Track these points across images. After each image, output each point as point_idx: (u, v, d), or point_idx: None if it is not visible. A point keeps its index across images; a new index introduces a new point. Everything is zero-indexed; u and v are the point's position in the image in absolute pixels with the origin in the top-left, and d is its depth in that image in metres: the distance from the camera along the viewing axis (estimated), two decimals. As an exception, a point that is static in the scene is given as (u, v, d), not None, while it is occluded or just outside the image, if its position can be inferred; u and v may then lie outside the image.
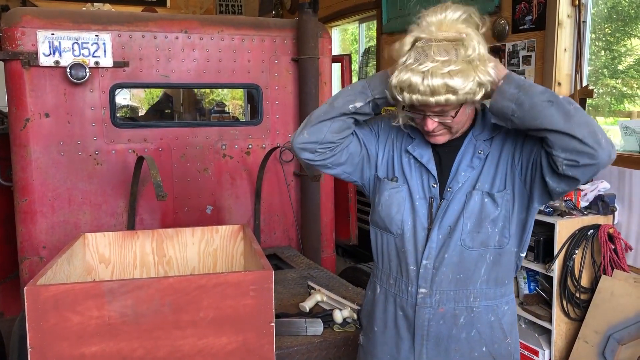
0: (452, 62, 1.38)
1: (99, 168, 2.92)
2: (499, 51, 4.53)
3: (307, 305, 2.23)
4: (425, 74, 1.39)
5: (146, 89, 10.27)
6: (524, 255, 1.65)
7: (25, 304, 1.49)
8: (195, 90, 7.83)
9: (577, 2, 3.99)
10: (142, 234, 2.26)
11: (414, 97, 1.42)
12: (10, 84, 2.80)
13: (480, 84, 1.41)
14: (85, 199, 2.91)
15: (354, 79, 7.10)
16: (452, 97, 1.40)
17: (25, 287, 1.50)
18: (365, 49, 6.99)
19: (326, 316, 2.11)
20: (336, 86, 5.46)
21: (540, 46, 4.18)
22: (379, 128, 1.70)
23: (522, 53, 4.34)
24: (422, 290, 1.59)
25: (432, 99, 1.40)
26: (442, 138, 1.56)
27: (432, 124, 1.50)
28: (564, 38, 4.07)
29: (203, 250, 2.30)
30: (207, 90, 10.55)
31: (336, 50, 7.90)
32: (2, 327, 2.85)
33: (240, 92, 9.51)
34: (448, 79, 1.37)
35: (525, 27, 4.30)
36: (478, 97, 1.43)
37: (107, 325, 1.53)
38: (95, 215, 2.93)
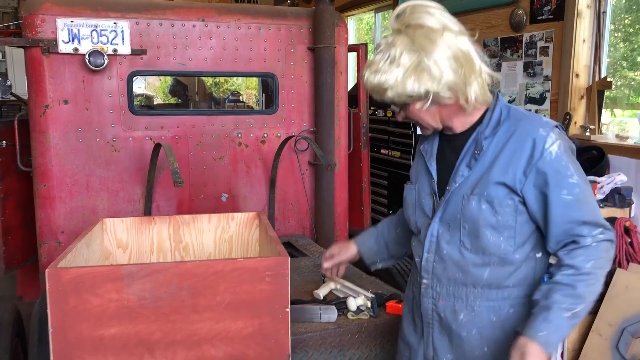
0: (385, 63, 1.46)
1: (117, 155, 2.95)
2: (516, 42, 4.50)
3: (321, 292, 2.25)
4: (368, 70, 1.49)
5: (161, 78, 10.33)
6: (550, 254, 1.60)
7: (47, 286, 1.53)
8: (210, 79, 7.87)
9: (596, -8, 3.95)
10: (160, 219, 2.29)
11: (365, 86, 1.53)
12: (30, 70, 2.83)
13: (409, 94, 1.47)
14: (103, 185, 2.95)
15: (369, 69, 7.07)
16: (383, 96, 1.49)
17: (46, 270, 1.53)
18: (381, 38, 6.97)
19: (340, 304, 2.13)
20: (352, 76, 5.45)
21: (558, 37, 4.13)
22: (416, 157, 1.81)
23: (540, 44, 4.30)
24: (424, 280, 1.66)
25: (372, 94, 1.52)
26: (424, 131, 1.63)
27: (399, 116, 1.59)
28: (583, 29, 4.02)
29: (219, 236, 2.33)
30: (222, 80, 10.58)
31: (351, 40, 7.88)
32: (21, 309, 2.89)
33: (254, 82, 9.54)
34: (373, 79, 1.48)
35: (544, 17, 4.26)
36: (411, 101, 1.49)
37: (126, 308, 1.56)
38: (113, 202, 2.97)
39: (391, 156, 5.14)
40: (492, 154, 1.54)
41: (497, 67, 4.70)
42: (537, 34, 4.31)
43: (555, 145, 1.48)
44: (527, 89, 4.45)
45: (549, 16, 4.20)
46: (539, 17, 4.29)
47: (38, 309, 2.22)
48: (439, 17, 1.48)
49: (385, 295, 2.23)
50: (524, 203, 1.52)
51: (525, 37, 4.41)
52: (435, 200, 1.63)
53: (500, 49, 4.66)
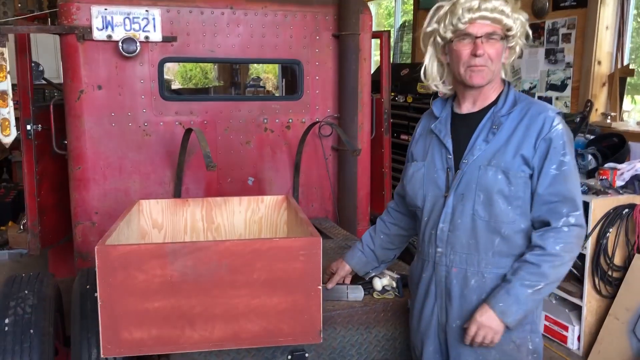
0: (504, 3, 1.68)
1: (148, 139, 3.05)
2: (538, 28, 4.51)
3: (329, 285, 2.33)
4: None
5: (181, 63, 10.40)
6: None
7: (97, 262, 1.63)
8: (234, 65, 7.94)
9: (621, -21, 3.95)
10: (193, 202, 2.39)
11: (471, 15, 1.64)
12: (66, 57, 2.93)
13: (515, 31, 1.69)
14: (135, 168, 3.06)
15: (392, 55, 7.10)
16: (504, 17, 1.65)
17: (95, 247, 1.64)
18: (401, 23, 6.98)
19: (366, 283, 2.22)
20: (374, 62, 5.50)
21: (581, 24, 4.15)
22: (415, 139, 1.96)
23: (562, 31, 4.32)
24: (439, 249, 1.78)
25: (490, 14, 1.64)
26: (481, 76, 1.70)
27: (480, 47, 1.66)
28: (607, 16, 4.03)
29: (249, 218, 2.43)
30: (242, 65, 10.62)
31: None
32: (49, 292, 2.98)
33: (272, 67, 9.58)
34: (503, 0, 1.66)
35: (567, 4, 4.27)
36: (512, 41, 1.71)
37: (169, 284, 1.66)
38: (144, 184, 3.08)
39: (411, 142, 5.20)
40: (508, 130, 1.70)
41: (519, 54, 4.71)
42: (560, 20, 4.32)
43: (560, 125, 1.67)
44: (548, 76, 4.47)
45: (572, 3, 4.21)
46: (562, 4, 4.30)
47: (78, 285, 2.33)
48: None
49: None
50: (531, 177, 1.68)
51: (548, 23, 4.43)
52: (450, 174, 1.76)
53: (522, 35, 4.67)
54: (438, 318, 1.82)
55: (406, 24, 6.81)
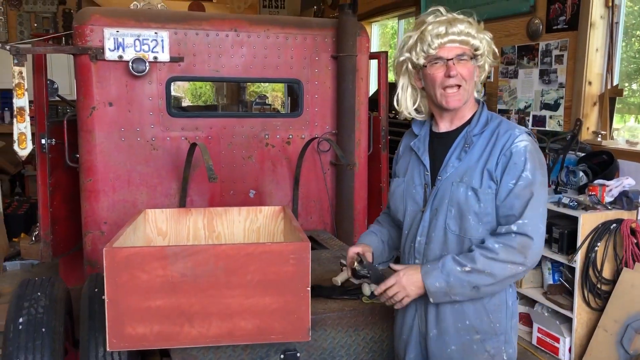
0: (470, 24, 1.79)
1: (155, 153, 3.23)
2: (532, 50, 4.68)
3: (339, 279, 2.48)
4: (449, 20, 1.76)
5: (190, 82, 10.66)
6: None
7: (104, 262, 1.79)
8: (240, 84, 8.19)
9: (610, 3, 4.11)
10: (195, 211, 2.55)
11: (440, 41, 1.75)
12: (80, 75, 3.12)
13: (482, 51, 1.80)
14: (143, 181, 3.23)
15: (390, 75, 7.28)
16: (470, 39, 1.76)
17: (104, 249, 1.80)
18: (404, 44, 7.17)
19: (355, 289, 2.36)
20: (373, 82, 5.68)
21: (572, 46, 4.31)
22: (397, 157, 2.05)
23: (555, 52, 4.47)
24: (417, 261, 1.87)
25: (457, 37, 1.75)
26: (457, 99, 1.79)
27: (453, 68, 1.75)
28: (597, 38, 4.19)
29: (248, 227, 2.58)
30: (249, 84, 10.87)
31: (376, 44, 8.09)
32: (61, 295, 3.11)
33: (280, 86, 9.82)
34: (467, 24, 1.77)
35: (559, 27, 4.43)
36: (480, 60, 1.81)
37: (170, 284, 1.82)
38: (151, 195, 3.25)
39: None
40: (480, 148, 1.79)
41: (514, 74, 4.88)
42: (553, 42, 4.48)
43: (522, 142, 1.74)
44: (542, 96, 4.63)
45: (564, 26, 4.38)
46: (555, 27, 4.47)
47: (87, 288, 2.49)
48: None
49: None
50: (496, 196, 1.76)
51: (541, 45, 4.59)
52: (427, 190, 1.85)
53: (517, 56, 4.84)
54: (419, 327, 1.90)
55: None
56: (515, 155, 1.72)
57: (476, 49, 1.80)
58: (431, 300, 1.77)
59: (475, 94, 1.89)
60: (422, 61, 1.80)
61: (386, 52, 4.10)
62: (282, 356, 2.13)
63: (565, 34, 4.37)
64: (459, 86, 1.78)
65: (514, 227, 1.69)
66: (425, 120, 1.95)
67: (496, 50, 1.87)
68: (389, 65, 4.32)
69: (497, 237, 1.72)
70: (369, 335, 2.27)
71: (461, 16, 1.79)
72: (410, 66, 1.84)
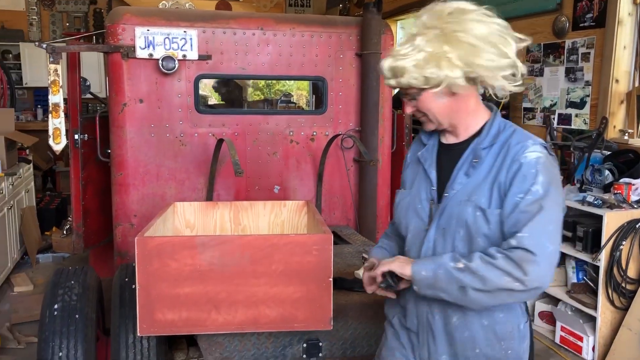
0: (407, 50, 1.54)
1: (183, 149, 3.32)
2: (558, 48, 4.65)
3: (361, 272, 2.53)
4: (390, 56, 1.58)
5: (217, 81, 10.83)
6: None
7: (136, 251, 1.87)
8: (264, 81, 8.28)
9: (638, 1, 4.07)
10: (222, 205, 2.63)
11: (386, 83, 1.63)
12: (112, 73, 3.23)
13: (427, 77, 1.53)
14: (171, 175, 3.32)
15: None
16: (400, 79, 1.56)
17: (136, 238, 1.88)
18: (429, 43, 7.17)
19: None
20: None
21: (599, 43, 4.28)
22: (405, 164, 1.87)
23: (582, 50, 4.45)
24: None
25: (387, 81, 1.60)
26: (428, 125, 1.67)
27: (408, 108, 1.64)
28: (624, 36, 4.16)
29: (272, 221, 2.65)
30: (274, 82, 10.98)
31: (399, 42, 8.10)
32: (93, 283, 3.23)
33: (305, 85, 9.89)
34: (393, 62, 1.56)
35: (586, 24, 4.41)
36: (428, 86, 1.55)
37: (198, 272, 1.89)
38: (179, 190, 3.34)
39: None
40: (489, 163, 1.60)
41: (540, 72, 4.86)
42: (579, 40, 4.46)
43: (534, 154, 1.54)
44: (568, 94, 4.60)
45: (591, 23, 4.35)
46: (581, 24, 4.44)
47: (118, 278, 2.58)
48: (486, 22, 1.55)
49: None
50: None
51: (568, 43, 4.57)
52: (433, 207, 1.67)
53: (543, 54, 4.82)
54: (419, 353, 1.73)
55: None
56: (525, 166, 1.53)
57: (412, 87, 1.57)
58: (415, 288, 1.60)
59: (479, 102, 1.66)
60: None
61: (410, 50, 4.12)
62: (304, 345, 2.19)
63: (592, 32, 4.34)
64: (423, 116, 1.65)
65: (512, 241, 1.50)
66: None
67: (479, 45, 1.52)
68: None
69: (498, 248, 1.55)
70: (380, 330, 2.31)
71: (414, 31, 1.57)
72: None
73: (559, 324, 3.99)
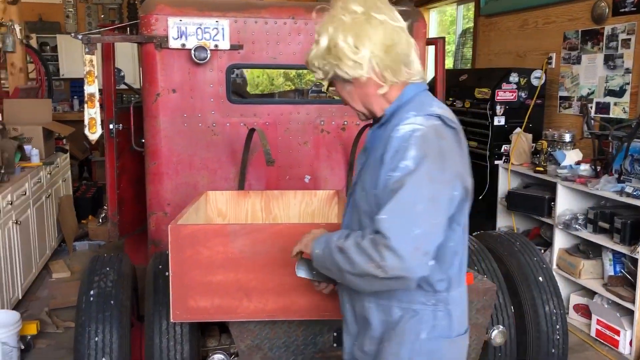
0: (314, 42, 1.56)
1: (216, 138, 3.34)
2: (597, 34, 4.52)
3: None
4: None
5: (249, 70, 10.89)
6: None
7: (169, 238, 1.90)
8: (295, 71, 8.26)
9: (682, -15, 3.92)
10: (253, 194, 2.65)
11: None
12: (145, 63, 3.26)
13: (319, 67, 1.54)
14: (203, 165, 3.35)
15: (449, 61, 7.18)
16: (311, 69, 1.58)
17: (169, 225, 1.91)
18: (463, 30, 7.06)
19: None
20: (430, 68, 5.63)
21: (640, 29, 4.14)
22: None
23: (622, 36, 4.31)
24: None
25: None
26: (357, 114, 1.65)
27: (334, 94, 1.63)
28: (667, 21, 4.01)
29: (303, 210, 2.66)
30: (305, 71, 10.98)
31: (434, 32, 8.00)
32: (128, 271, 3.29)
33: (337, 73, 9.85)
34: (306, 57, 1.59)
35: (627, 10, 4.27)
36: (321, 77, 1.56)
37: (230, 260, 1.91)
38: (211, 179, 3.37)
39: (468, 146, 5.28)
40: (378, 142, 1.54)
41: (577, 60, 4.74)
42: (619, 26, 4.32)
43: (408, 126, 1.42)
44: (606, 82, 4.47)
45: (632, 8, 4.21)
46: (622, 10, 4.30)
47: (152, 265, 2.63)
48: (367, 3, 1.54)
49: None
50: None
51: (607, 29, 4.43)
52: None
53: (580, 41, 4.69)
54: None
55: (469, 31, 6.89)
56: (396, 140, 1.42)
57: (320, 78, 1.58)
58: (314, 264, 1.58)
59: (394, 85, 1.55)
60: None
61: (443, 38, 4.07)
62: (335, 334, 2.19)
63: (633, 17, 4.20)
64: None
65: (369, 221, 1.45)
66: None
67: (341, 44, 1.49)
68: (448, 51, 4.29)
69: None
70: (421, 318, 2.30)
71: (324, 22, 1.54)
72: None
73: (594, 318, 3.91)
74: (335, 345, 2.21)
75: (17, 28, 6.02)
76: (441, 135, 1.43)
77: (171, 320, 1.94)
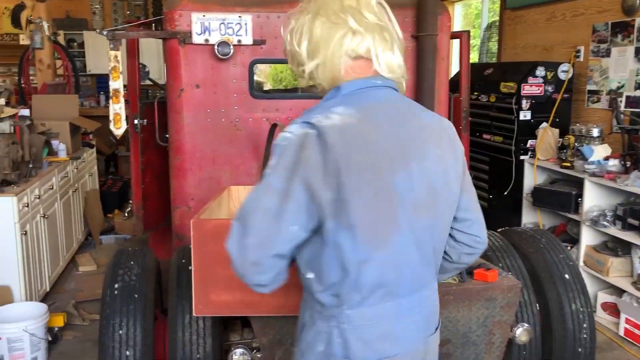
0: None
1: (239, 133, 3.35)
2: (627, 27, 4.41)
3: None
4: None
5: (271, 66, 10.89)
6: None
7: (192, 233, 1.91)
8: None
9: None
10: (276, 188, 2.64)
11: None
12: (169, 59, 3.28)
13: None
14: (226, 160, 3.36)
15: (474, 55, 7.09)
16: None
17: (191, 220, 1.91)
18: (488, 24, 6.96)
19: (432, 269, 2.37)
20: (455, 62, 5.58)
21: (673, 21, 4.03)
22: None
23: (653, 28, 4.20)
24: None
25: None
26: None
27: None
28: (701, 12, 3.90)
29: (326, 205, 2.64)
30: (329, 66, 10.93)
31: (458, 25, 7.90)
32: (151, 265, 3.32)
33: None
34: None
35: (658, 1, 4.15)
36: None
37: (252, 255, 1.90)
38: (234, 174, 3.38)
39: (493, 141, 5.22)
40: None
41: (607, 53, 4.63)
42: (651, 18, 4.21)
43: (283, 134, 1.39)
44: (637, 75, 4.37)
45: (664, 0, 4.10)
46: (653, 1, 4.19)
47: (176, 259, 2.65)
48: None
49: (474, 265, 2.42)
50: None
51: (638, 21, 4.32)
52: None
53: (610, 34, 4.58)
54: None
55: (494, 24, 6.79)
56: (274, 148, 1.41)
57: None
58: None
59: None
60: None
61: (468, 32, 4.01)
62: (357, 330, 2.17)
63: (665, 9, 4.09)
64: None
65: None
66: None
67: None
68: (473, 45, 4.22)
69: None
70: (443, 315, 2.26)
71: None
72: None
73: (623, 316, 3.83)
74: (357, 341, 2.20)
75: (45, 25, 6.11)
76: (305, 145, 1.34)
77: (193, 315, 1.95)
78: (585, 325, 2.73)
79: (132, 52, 3.46)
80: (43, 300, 4.17)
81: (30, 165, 4.15)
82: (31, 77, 7.31)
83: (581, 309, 2.75)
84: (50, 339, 3.62)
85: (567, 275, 2.81)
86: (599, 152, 4.29)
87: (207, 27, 3.20)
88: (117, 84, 3.13)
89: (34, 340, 3.37)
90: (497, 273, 2.35)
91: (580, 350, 2.73)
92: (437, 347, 1.60)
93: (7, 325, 3.34)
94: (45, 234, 4.31)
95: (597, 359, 2.98)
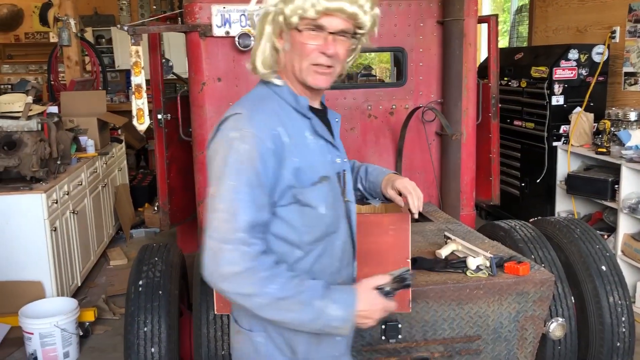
0: None
1: (261, 126, 3.31)
2: (666, 4, 4.20)
3: (443, 252, 2.43)
4: None
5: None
6: None
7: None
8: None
9: None
10: (298, 182, 2.59)
11: (328, 5, 1.39)
12: (190, 52, 3.25)
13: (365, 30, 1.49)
14: (250, 153, 3.32)
15: (503, 40, 6.90)
16: (361, 13, 1.43)
17: (210, 217, 1.87)
18: (518, 7, 6.75)
19: (460, 263, 2.29)
20: (483, 47, 5.43)
21: None
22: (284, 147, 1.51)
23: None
24: (355, 263, 1.73)
25: (349, 8, 1.41)
26: (326, 79, 1.49)
27: (332, 46, 1.43)
28: None
29: (350, 198, 2.58)
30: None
31: (487, 9, 7.70)
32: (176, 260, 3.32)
33: (387, 57, 9.67)
34: None
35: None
36: (358, 40, 1.52)
37: (272, 252, 1.86)
38: (257, 167, 3.34)
39: (525, 127, 5.07)
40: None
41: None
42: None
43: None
44: (677, 55, 4.16)
45: None
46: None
47: (200, 254, 2.63)
48: None
49: (505, 257, 2.35)
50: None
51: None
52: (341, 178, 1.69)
53: (647, 12, 4.38)
54: None
55: (524, 8, 6.58)
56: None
57: (360, 27, 1.46)
58: None
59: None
60: (295, 20, 1.41)
61: (496, 16, 3.88)
62: (383, 326, 2.12)
63: None
64: (330, 66, 1.46)
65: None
66: (289, 88, 1.54)
67: (377, 30, 1.53)
68: (502, 29, 4.09)
69: None
70: (473, 310, 2.20)
71: None
72: (280, 18, 1.44)
73: (663, 307, 3.68)
74: (383, 338, 2.15)
75: (72, 22, 6.17)
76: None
77: (215, 313, 1.92)
78: (623, 318, 2.62)
79: (154, 46, 3.45)
80: (75, 294, 4.22)
81: (59, 162, 4.20)
82: (61, 74, 7.41)
83: (619, 302, 2.64)
84: (81, 333, 3.66)
85: (603, 267, 2.69)
86: (637, 136, 4.11)
87: (227, 19, 3.16)
88: (139, 79, 3.11)
89: (65, 335, 3.42)
90: (529, 266, 2.26)
91: (619, 344, 2.62)
92: None
93: (38, 320, 3.38)
94: (76, 230, 4.36)
95: (637, 352, 2.86)
